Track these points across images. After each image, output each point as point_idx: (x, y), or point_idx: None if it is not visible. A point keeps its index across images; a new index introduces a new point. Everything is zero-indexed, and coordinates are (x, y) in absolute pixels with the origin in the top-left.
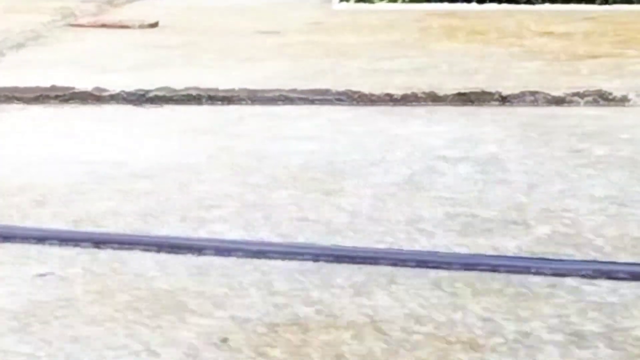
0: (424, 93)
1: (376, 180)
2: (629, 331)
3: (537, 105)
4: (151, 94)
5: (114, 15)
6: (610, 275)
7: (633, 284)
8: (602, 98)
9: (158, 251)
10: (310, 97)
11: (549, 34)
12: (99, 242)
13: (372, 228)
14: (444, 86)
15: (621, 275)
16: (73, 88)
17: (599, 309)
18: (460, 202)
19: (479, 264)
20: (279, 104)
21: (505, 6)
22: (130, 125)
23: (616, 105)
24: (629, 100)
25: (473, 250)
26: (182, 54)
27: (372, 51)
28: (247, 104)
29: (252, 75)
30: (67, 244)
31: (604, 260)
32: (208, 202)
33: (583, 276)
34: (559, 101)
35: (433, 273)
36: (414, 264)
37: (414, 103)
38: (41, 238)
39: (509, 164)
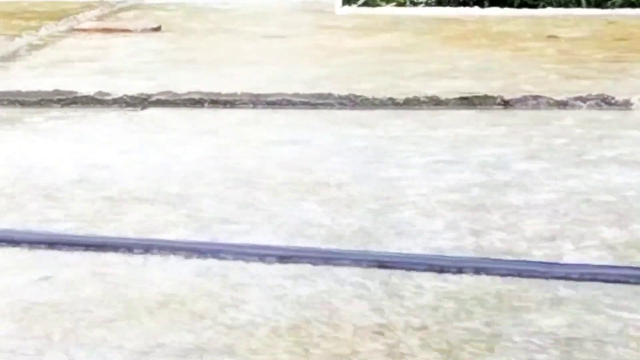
0: (426, 97)
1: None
2: None
3: (540, 109)
4: (153, 98)
5: (116, 19)
6: None
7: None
8: (605, 102)
9: (157, 253)
10: (313, 101)
11: (553, 37)
12: (100, 245)
13: None
14: (446, 90)
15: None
16: (76, 92)
17: None
18: None
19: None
20: (281, 108)
21: (508, 10)
22: (131, 128)
23: (619, 109)
24: (631, 105)
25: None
26: (184, 57)
27: (374, 55)
28: (249, 107)
29: (254, 79)
30: (69, 248)
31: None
32: (209, 208)
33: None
34: (561, 105)
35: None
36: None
37: (416, 107)
38: (44, 242)
39: None
